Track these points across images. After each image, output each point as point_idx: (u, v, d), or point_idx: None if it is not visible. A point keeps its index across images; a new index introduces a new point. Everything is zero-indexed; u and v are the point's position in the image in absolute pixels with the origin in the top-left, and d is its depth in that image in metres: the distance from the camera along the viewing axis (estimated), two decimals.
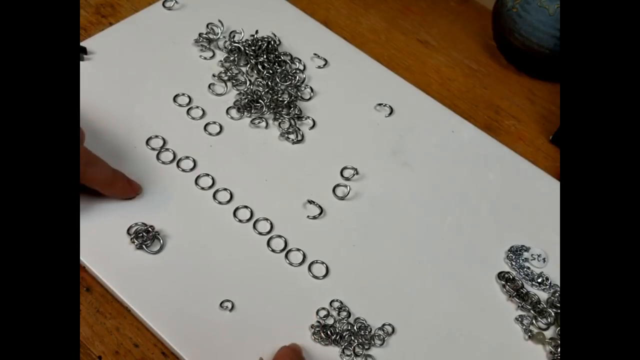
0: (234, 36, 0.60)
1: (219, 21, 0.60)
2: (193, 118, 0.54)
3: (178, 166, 0.50)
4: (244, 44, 0.59)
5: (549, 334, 0.46)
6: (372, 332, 0.44)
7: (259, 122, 0.54)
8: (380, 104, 0.57)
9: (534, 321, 0.46)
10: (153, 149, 0.51)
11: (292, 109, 0.55)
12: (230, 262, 0.46)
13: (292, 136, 0.54)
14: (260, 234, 0.48)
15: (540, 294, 0.47)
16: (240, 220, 0.48)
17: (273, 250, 0.47)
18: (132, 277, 0.44)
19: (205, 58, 0.58)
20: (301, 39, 0.61)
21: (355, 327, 0.44)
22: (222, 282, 0.45)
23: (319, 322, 0.44)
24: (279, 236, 0.48)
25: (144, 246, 0.45)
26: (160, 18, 0.61)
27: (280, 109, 0.55)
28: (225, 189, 0.50)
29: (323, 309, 0.45)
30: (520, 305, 0.47)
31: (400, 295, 0.46)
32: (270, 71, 0.57)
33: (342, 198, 0.51)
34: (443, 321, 0.45)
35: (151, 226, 0.46)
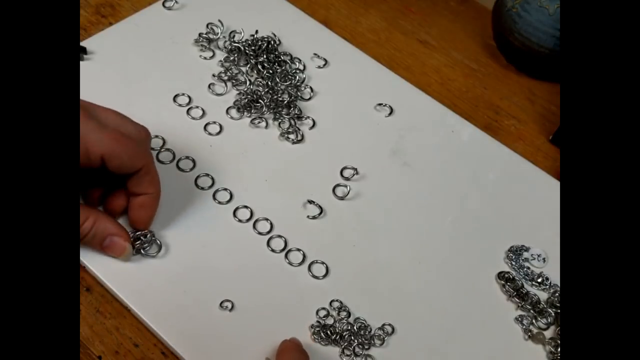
0: (234, 36, 0.60)
1: (219, 21, 0.60)
2: (193, 118, 0.54)
3: (178, 166, 0.50)
4: (244, 44, 0.59)
5: (548, 334, 0.46)
6: (372, 332, 0.44)
7: (259, 122, 0.54)
8: (380, 104, 0.57)
9: (533, 321, 0.46)
10: (153, 148, 0.51)
11: (292, 109, 0.55)
12: (230, 262, 0.46)
13: (292, 136, 0.54)
14: (260, 234, 0.48)
15: (540, 294, 0.47)
16: (240, 220, 0.48)
17: (273, 250, 0.47)
18: (132, 277, 0.44)
19: (205, 58, 0.58)
20: (301, 39, 0.61)
21: (355, 327, 0.44)
22: (222, 282, 0.45)
23: (318, 322, 0.44)
24: (279, 236, 0.48)
25: (142, 251, 0.44)
26: (160, 18, 0.61)
27: (280, 109, 0.55)
28: (225, 189, 0.50)
29: (323, 309, 0.45)
30: (520, 305, 0.47)
31: (400, 295, 0.46)
32: (270, 71, 0.57)
33: (342, 198, 0.51)
34: (443, 321, 0.45)
35: (150, 231, 0.45)
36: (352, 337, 0.43)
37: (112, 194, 0.45)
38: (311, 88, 0.58)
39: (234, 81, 0.57)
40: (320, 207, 0.50)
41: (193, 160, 0.51)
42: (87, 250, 0.44)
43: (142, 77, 0.56)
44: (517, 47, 0.61)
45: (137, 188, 0.44)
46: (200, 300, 0.44)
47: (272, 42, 0.59)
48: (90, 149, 0.40)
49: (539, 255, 0.49)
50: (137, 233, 0.45)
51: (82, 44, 0.57)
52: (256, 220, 0.48)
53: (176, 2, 0.62)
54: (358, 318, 0.44)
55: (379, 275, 0.47)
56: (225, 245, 0.47)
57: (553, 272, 0.49)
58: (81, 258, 0.44)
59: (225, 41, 0.59)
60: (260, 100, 0.55)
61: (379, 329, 0.44)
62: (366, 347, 0.43)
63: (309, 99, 0.57)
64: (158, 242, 0.45)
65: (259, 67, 0.57)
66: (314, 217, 0.49)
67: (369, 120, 0.56)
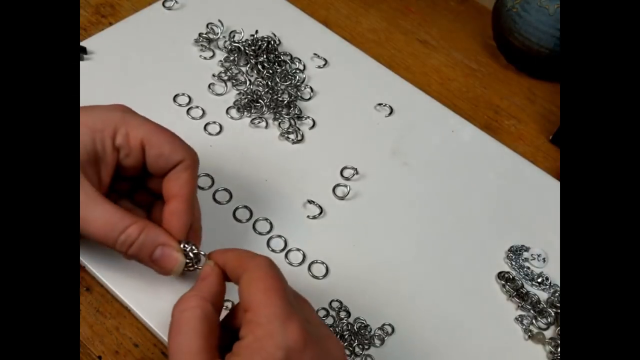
0: (234, 36, 0.60)
1: (219, 21, 0.60)
2: (193, 118, 0.54)
3: None
4: (244, 43, 0.59)
5: (549, 334, 0.46)
6: (372, 332, 0.44)
7: (259, 122, 0.54)
8: (380, 104, 0.57)
9: (533, 321, 0.46)
10: None
11: (292, 108, 0.55)
12: None
13: (292, 136, 0.54)
14: (260, 234, 0.48)
15: (540, 294, 0.47)
16: (240, 221, 0.48)
17: (273, 250, 0.47)
18: (132, 277, 0.44)
19: (205, 58, 0.58)
20: (301, 39, 0.61)
21: (355, 327, 0.44)
22: None
23: None
24: (279, 236, 0.48)
25: (192, 267, 0.41)
26: (160, 18, 0.61)
27: (280, 108, 0.55)
28: (225, 189, 0.50)
29: (323, 309, 0.44)
30: (520, 305, 0.47)
31: (400, 295, 0.46)
32: (270, 71, 0.57)
33: (342, 198, 0.51)
34: (443, 321, 0.45)
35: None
36: (352, 337, 0.43)
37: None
38: (311, 88, 0.58)
39: (234, 81, 0.57)
40: (320, 207, 0.50)
41: None
42: (87, 250, 0.44)
43: (142, 77, 0.56)
44: (517, 47, 0.61)
45: (172, 185, 0.40)
46: None
47: (272, 42, 0.59)
48: (130, 132, 0.39)
49: (539, 255, 0.49)
50: (186, 246, 0.40)
51: (82, 44, 0.57)
52: (256, 220, 0.48)
53: (176, 2, 0.62)
54: (358, 318, 0.44)
55: (379, 275, 0.47)
56: (225, 245, 0.46)
57: (553, 272, 0.49)
58: (81, 258, 0.44)
59: (225, 41, 0.59)
60: (260, 100, 0.55)
61: (379, 329, 0.44)
62: (366, 347, 0.43)
63: (309, 99, 0.57)
64: (202, 254, 0.40)
65: (259, 67, 0.57)
66: (314, 217, 0.49)
67: (369, 120, 0.56)
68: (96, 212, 0.37)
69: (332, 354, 0.34)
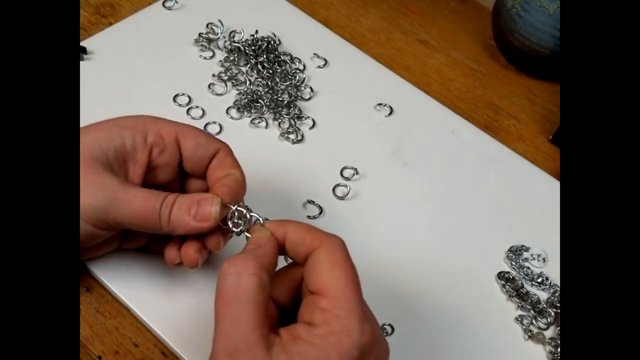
0: (234, 36, 0.60)
1: (219, 21, 0.60)
2: (193, 118, 0.54)
3: None
4: (244, 43, 0.59)
5: (548, 334, 0.46)
6: None
7: (259, 122, 0.54)
8: (380, 104, 0.57)
9: (533, 321, 0.46)
10: None
11: (292, 108, 0.55)
12: None
13: (292, 136, 0.54)
14: None
15: (540, 293, 0.47)
16: None
17: None
18: (132, 277, 0.44)
19: (205, 58, 0.58)
20: (301, 39, 0.61)
21: None
22: None
23: None
24: None
25: (229, 223, 0.40)
26: (160, 18, 0.61)
27: (280, 108, 0.55)
28: None
29: None
30: (520, 305, 0.47)
31: (400, 295, 0.46)
32: (270, 71, 0.57)
33: (342, 198, 0.51)
34: (443, 321, 0.45)
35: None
36: None
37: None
38: (311, 88, 0.58)
39: (234, 81, 0.57)
40: (320, 207, 0.50)
41: None
42: None
43: (142, 77, 0.56)
44: (517, 47, 0.61)
45: (219, 170, 0.40)
46: (201, 300, 0.44)
47: (272, 42, 0.59)
48: (163, 130, 0.40)
49: (539, 255, 0.49)
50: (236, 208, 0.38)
51: (82, 44, 0.57)
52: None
53: (176, 2, 0.62)
54: None
55: (379, 275, 0.47)
56: (226, 245, 0.47)
57: (553, 272, 0.49)
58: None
59: (225, 41, 0.59)
60: (260, 100, 0.55)
61: None
62: None
63: (309, 99, 0.57)
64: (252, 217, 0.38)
65: (259, 67, 0.57)
66: (314, 217, 0.49)
67: (369, 120, 0.56)
68: (134, 192, 0.38)
69: (384, 356, 0.34)
